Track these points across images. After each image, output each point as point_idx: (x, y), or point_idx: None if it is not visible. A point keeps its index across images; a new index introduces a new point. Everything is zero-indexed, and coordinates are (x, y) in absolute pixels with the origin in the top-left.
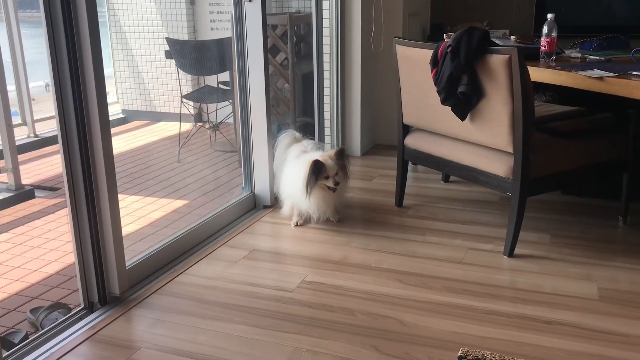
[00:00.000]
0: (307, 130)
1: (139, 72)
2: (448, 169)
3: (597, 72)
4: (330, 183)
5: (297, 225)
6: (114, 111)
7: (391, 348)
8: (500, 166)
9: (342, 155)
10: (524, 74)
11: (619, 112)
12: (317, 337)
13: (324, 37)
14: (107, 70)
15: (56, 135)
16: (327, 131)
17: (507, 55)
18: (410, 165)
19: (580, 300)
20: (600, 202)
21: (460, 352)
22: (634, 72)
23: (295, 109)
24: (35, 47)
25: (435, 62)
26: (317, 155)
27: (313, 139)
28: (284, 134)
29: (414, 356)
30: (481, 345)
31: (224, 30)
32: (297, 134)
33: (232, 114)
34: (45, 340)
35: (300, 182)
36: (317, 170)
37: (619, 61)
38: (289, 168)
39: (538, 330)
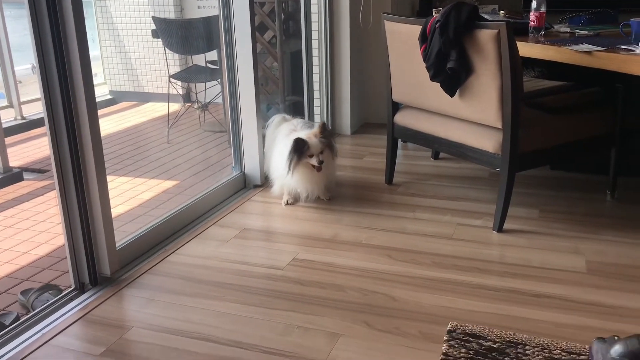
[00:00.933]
0: (297, 108)
1: (126, 52)
2: (437, 146)
3: (585, 47)
4: (314, 162)
5: (287, 204)
6: (102, 92)
7: (382, 323)
8: (489, 142)
9: (325, 130)
10: (513, 49)
11: (608, 87)
12: (308, 313)
13: (312, 14)
14: (95, 52)
15: (43, 117)
16: (316, 110)
17: (496, 30)
18: (400, 142)
19: (568, 274)
20: (588, 177)
21: (449, 325)
22: (622, 46)
23: (285, 88)
24: (22, 29)
25: (424, 38)
26: (304, 133)
27: (303, 117)
28: (274, 117)
29: (404, 331)
30: (470, 319)
31: (211, 8)
32: (287, 117)
33: (220, 93)
34: (37, 321)
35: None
36: (298, 148)
37: (607, 35)
38: (278, 147)
39: (527, 303)
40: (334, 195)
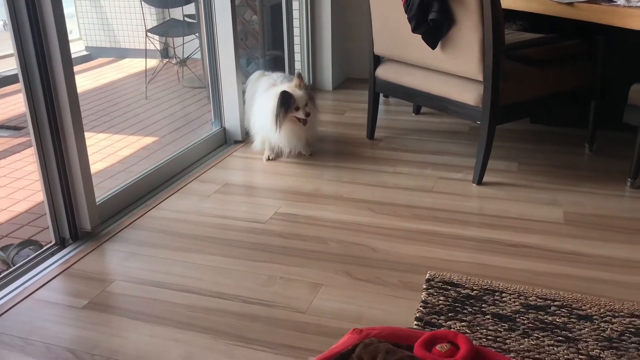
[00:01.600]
0: (277, 63)
1: (101, 6)
2: (419, 100)
3: None
4: (301, 114)
5: (268, 159)
6: (78, 48)
7: (363, 273)
8: (470, 95)
9: (303, 80)
10: None
11: (589, 39)
12: (291, 265)
13: None
14: (69, 9)
15: (17, 74)
16: (297, 65)
17: None
18: (382, 98)
19: (546, 224)
20: (567, 130)
21: (428, 274)
22: None
23: (265, 42)
24: None
25: None
26: (285, 87)
27: (283, 72)
28: (254, 73)
29: (385, 280)
30: (449, 268)
31: None
32: (267, 72)
33: (199, 48)
34: (18, 275)
35: (270, 116)
36: (285, 101)
37: None
38: (258, 102)
39: (505, 253)
40: (316, 150)
